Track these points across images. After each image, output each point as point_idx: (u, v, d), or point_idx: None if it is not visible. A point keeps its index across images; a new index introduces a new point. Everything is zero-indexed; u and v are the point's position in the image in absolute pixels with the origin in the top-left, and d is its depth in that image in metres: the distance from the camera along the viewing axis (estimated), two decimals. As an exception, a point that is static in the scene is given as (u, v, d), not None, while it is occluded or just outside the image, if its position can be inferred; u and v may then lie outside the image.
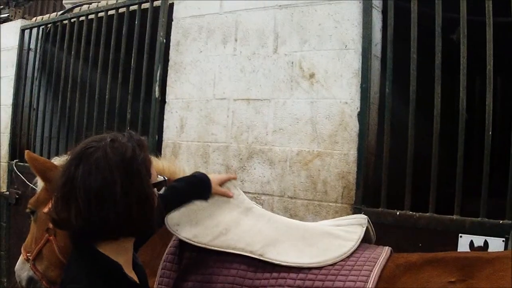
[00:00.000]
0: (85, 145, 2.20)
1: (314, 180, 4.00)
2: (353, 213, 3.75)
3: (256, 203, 4.10)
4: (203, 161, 4.69)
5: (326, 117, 3.98)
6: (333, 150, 3.92)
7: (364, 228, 3.01)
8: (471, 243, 3.42)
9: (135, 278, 2.26)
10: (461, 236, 3.43)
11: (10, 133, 7.16)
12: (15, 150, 7.09)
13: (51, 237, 3.59)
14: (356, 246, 2.91)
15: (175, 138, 4.96)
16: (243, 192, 4.22)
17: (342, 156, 3.88)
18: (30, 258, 3.66)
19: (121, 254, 2.20)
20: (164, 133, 5.09)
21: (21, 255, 3.78)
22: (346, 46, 3.94)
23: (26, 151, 3.99)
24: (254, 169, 4.33)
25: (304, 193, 4.04)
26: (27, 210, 3.80)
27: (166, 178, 2.43)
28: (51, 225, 3.56)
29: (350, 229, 3.03)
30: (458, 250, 3.42)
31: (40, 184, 3.87)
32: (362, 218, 3.08)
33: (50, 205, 3.59)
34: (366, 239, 3.04)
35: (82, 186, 2.07)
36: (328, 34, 4.04)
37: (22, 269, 3.70)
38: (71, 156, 2.21)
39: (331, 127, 3.95)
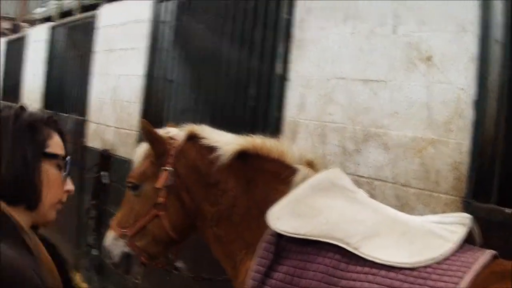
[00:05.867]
0: None
1: (427, 169, 3.94)
2: (463, 207, 3.67)
3: (368, 188, 4.14)
4: (321, 141, 4.74)
5: (442, 103, 3.90)
6: (448, 139, 3.84)
7: (467, 229, 2.95)
8: None
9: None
10: None
11: (142, 103, 7.51)
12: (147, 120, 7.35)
13: (161, 213, 3.72)
14: (454, 248, 2.86)
15: (295, 116, 5.05)
16: (357, 175, 4.28)
17: (456, 145, 3.79)
18: (128, 234, 3.79)
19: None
20: (285, 110, 5.18)
21: (111, 231, 3.89)
22: (463, 28, 3.83)
23: (142, 120, 4.13)
24: (369, 152, 4.33)
25: (416, 181, 3.99)
26: (128, 185, 3.90)
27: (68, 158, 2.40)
28: (161, 200, 3.71)
29: (452, 228, 2.97)
30: None
31: (138, 156, 3.97)
32: (465, 218, 3.01)
33: (163, 180, 3.74)
34: (470, 240, 2.98)
35: None
36: (446, 15, 3.94)
37: (116, 245, 3.83)
38: None
39: (446, 113, 3.87)
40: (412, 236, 2.98)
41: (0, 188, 2.13)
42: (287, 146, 3.73)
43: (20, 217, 2.16)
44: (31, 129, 2.24)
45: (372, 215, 3.18)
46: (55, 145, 2.32)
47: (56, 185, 2.30)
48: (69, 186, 2.37)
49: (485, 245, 3.04)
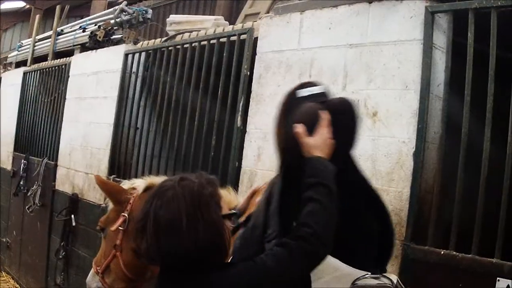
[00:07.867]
0: (161, 184, 2.52)
1: (370, 215, 4.17)
2: (402, 250, 3.93)
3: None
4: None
5: (385, 155, 4.17)
6: (389, 187, 4.10)
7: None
8: (508, 288, 3.50)
9: None
10: (498, 280, 3.46)
11: (111, 149, 7.74)
12: (114, 166, 7.68)
13: (117, 253, 4.09)
14: None
15: (252, 166, 5.28)
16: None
17: (397, 194, 4.06)
18: (100, 271, 4.15)
19: None
20: (243, 160, 5.43)
21: (92, 268, 4.26)
22: (407, 86, 4.11)
23: (95, 175, 4.51)
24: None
25: (360, 227, 4.21)
26: (98, 228, 4.37)
27: (237, 211, 2.76)
28: (118, 242, 4.11)
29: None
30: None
31: (110, 205, 4.38)
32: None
33: (117, 224, 4.13)
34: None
35: (153, 219, 2.37)
36: (392, 74, 4.23)
37: (92, 280, 4.23)
38: (150, 194, 2.52)
39: (389, 165, 4.15)
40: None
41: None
42: (234, 195, 4.15)
43: None
44: (213, 195, 2.50)
45: None
46: (225, 204, 2.58)
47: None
48: None
49: (423, 282, 3.26)
